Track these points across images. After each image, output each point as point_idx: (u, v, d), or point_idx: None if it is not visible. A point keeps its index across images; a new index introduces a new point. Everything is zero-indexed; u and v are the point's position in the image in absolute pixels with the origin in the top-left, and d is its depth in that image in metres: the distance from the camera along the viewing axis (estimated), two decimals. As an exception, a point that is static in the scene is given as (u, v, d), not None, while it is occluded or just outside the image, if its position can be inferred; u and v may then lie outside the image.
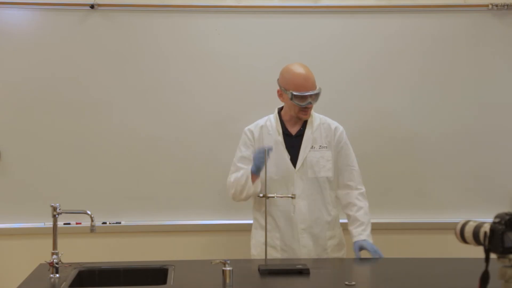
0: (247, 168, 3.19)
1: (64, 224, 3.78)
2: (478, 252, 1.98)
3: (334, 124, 3.33)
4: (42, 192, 3.83)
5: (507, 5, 3.91)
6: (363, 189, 3.30)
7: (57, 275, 2.70)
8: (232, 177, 3.25)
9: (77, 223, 3.85)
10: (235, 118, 3.91)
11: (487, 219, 2.00)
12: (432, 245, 3.93)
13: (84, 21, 3.85)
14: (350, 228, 3.24)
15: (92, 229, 2.85)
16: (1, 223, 3.87)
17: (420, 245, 3.96)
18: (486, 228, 1.91)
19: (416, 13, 3.95)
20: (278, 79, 3.28)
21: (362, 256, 3.16)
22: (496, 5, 3.91)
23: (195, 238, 3.94)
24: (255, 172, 3.14)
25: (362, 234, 3.18)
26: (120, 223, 3.91)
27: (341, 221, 3.38)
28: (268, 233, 3.21)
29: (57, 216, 2.79)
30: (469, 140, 3.98)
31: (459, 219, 2.07)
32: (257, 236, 3.31)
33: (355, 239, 3.20)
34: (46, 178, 3.87)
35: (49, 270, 2.71)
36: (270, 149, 3.08)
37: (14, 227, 3.87)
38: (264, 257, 3.07)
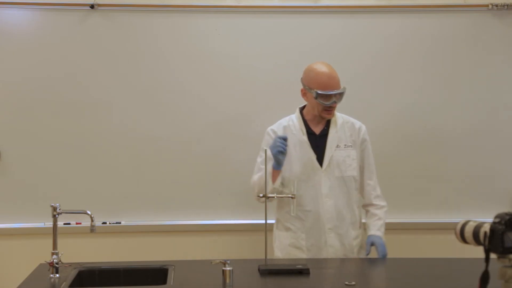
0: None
1: (64, 224, 3.78)
2: (478, 252, 1.98)
3: (357, 123, 3.32)
4: (42, 192, 3.83)
5: (507, 5, 3.91)
6: (380, 191, 3.32)
7: (57, 275, 2.70)
8: (256, 176, 3.24)
9: (77, 223, 3.85)
10: (235, 118, 3.92)
11: (487, 219, 1.99)
12: (432, 245, 3.93)
13: (84, 21, 3.85)
14: (369, 220, 3.27)
15: (92, 229, 2.85)
16: (1, 223, 3.87)
17: (420, 245, 3.96)
18: (486, 228, 1.91)
19: (416, 13, 3.95)
20: (301, 78, 3.26)
21: (369, 256, 3.17)
22: (496, 5, 3.91)
23: (195, 238, 3.94)
24: (276, 167, 3.12)
25: (380, 230, 3.22)
26: (120, 223, 3.91)
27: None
28: (293, 234, 3.24)
29: (57, 216, 2.79)
30: (469, 140, 3.98)
31: (459, 219, 2.07)
32: (280, 238, 3.30)
33: (371, 232, 3.22)
34: (46, 178, 3.87)
35: (49, 270, 2.71)
36: (284, 138, 3.09)
37: (14, 227, 3.87)
38: (290, 258, 3.14)
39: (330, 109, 3.19)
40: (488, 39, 3.96)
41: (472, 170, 3.99)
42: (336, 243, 3.20)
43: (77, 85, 3.87)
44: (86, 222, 3.12)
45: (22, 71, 3.86)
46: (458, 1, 3.94)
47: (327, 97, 3.14)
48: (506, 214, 1.87)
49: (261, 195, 2.96)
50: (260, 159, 3.26)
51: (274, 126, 3.32)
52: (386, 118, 3.95)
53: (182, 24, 3.90)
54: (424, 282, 2.68)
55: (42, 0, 3.81)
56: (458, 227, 2.01)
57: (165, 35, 3.90)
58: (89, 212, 2.83)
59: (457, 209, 3.95)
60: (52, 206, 2.79)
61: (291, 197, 3.04)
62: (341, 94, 3.17)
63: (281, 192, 3.16)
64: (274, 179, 3.15)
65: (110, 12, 3.86)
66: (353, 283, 2.54)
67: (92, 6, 3.81)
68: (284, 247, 3.26)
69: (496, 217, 1.89)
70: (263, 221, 2.88)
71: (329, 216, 3.20)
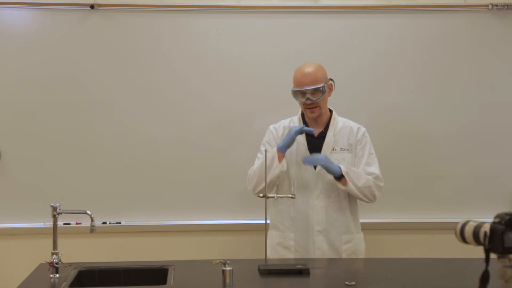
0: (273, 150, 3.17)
1: (64, 224, 3.79)
2: (478, 252, 1.98)
3: (356, 126, 3.31)
4: (42, 192, 3.83)
5: (507, 5, 3.91)
6: (375, 170, 3.20)
7: (57, 275, 2.69)
8: (256, 164, 3.23)
9: (77, 223, 3.85)
10: (235, 118, 3.92)
11: (487, 219, 1.99)
12: (432, 245, 3.93)
13: (84, 21, 3.85)
14: None
15: (92, 229, 2.85)
16: (1, 223, 3.87)
17: (420, 245, 3.96)
18: (486, 228, 1.91)
19: (416, 13, 3.95)
20: None
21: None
22: (496, 5, 3.91)
23: (195, 238, 3.94)
24: (282, 150, 3.12)
25: (341, 164, 3.14)
26: (120, 223, 3.91)
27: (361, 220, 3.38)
28: (282, 233, 3.25)
29: (57, 216, 2.79)
30: (469, 140, 3.98)
31: (459, 219, 2.07)
32: (270, 237, 3.31)
33: None
34: (46, 178, 3.87)
35: (49, 270, 2.71)
36: (311, 132, 3.12)
37: (14, 227, 3.88)
38: (277, 257, 3.14)
39: (311, 107, 3.19)
40: (488, 39, 3.96)
41: (472, 170, 3.99)
42: (324, 246, 3.20)
43: (77, 85, 3.87)
44: (86, 222, 3.12)
45: (22, 71, 3.86)
46: (458, 1, 3.94)
47: (301, 94, 3.17)
48: (506, 214, 1.87)
49: (261, 195, 2.96)
50: (261, 155, 3.24)
51: (276, 124, 3.36)
52: (386, 118, 3.95)
53: (182, 24, 3.90)
54: (424, 282, 2.68)
55: (42, 0, 3.81)
56: (458, 227, 2.01)
57: (165, 35, 3.90)
58: (89, 212, 2.83)
59: (457, 209, 3.95)
60: (52, 206, 2.79)
61: (291, 197, 3.04)
62: (314, 91, 3.14)
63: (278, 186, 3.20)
64: (280, 159, 3.13)
65: (110, 12, 3.86)
66: (353, 283, 2.54)
67: (92, 6, 3.81)
68: (273, 246, 3.27)
69: (496, 217, 1.89)
70: (263, 221, 2.88)
71: (318, 219, 3.20)
